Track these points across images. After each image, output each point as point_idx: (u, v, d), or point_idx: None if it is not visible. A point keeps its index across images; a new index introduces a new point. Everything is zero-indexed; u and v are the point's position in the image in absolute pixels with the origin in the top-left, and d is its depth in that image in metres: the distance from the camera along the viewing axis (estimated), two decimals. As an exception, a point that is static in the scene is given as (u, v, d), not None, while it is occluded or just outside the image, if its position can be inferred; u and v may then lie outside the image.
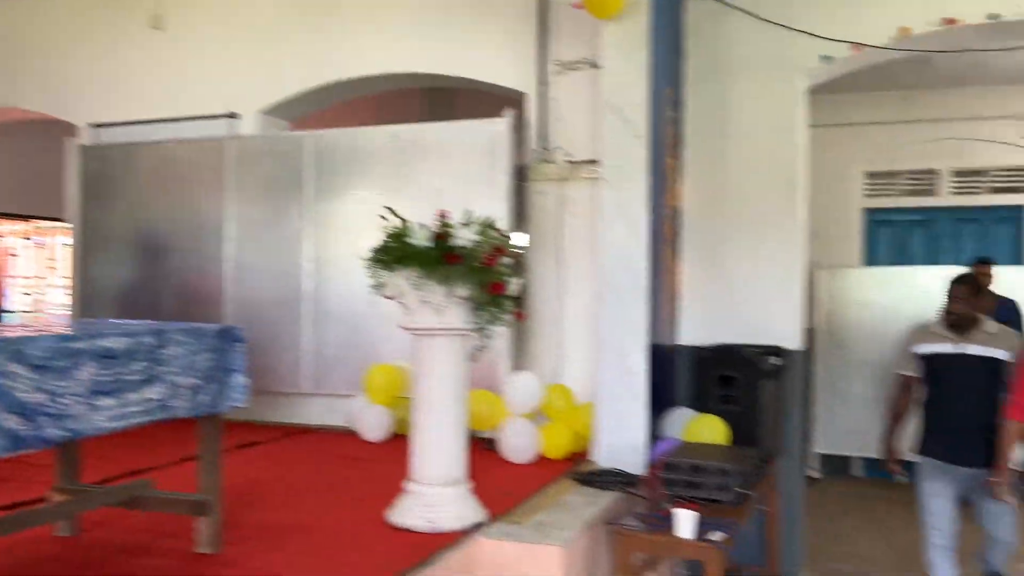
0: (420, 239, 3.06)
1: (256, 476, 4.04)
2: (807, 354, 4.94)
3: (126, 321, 3.24)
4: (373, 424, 4.90)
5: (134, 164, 5.90)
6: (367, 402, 4.98)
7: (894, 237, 7.93)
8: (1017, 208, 7.49)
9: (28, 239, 9.55)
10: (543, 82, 5.01)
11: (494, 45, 5.19)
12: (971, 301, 3.77)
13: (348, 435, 5.01)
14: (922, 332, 3.99)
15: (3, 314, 8.60)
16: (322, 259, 5.38)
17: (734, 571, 3.61)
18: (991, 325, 3.84)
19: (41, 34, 6.31)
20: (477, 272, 3.03)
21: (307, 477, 4.07)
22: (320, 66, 5.62)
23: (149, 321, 3.12)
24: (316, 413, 5.45)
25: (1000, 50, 5.63)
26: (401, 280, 3.09)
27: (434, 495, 3.13)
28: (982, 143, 7.43)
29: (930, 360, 3.92)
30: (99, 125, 6.13)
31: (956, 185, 7.70)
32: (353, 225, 5.22)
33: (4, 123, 6.87)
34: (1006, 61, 6.55)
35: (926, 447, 3.95)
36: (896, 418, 4.11)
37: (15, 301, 9.47)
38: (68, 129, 6.27)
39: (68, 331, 2.51)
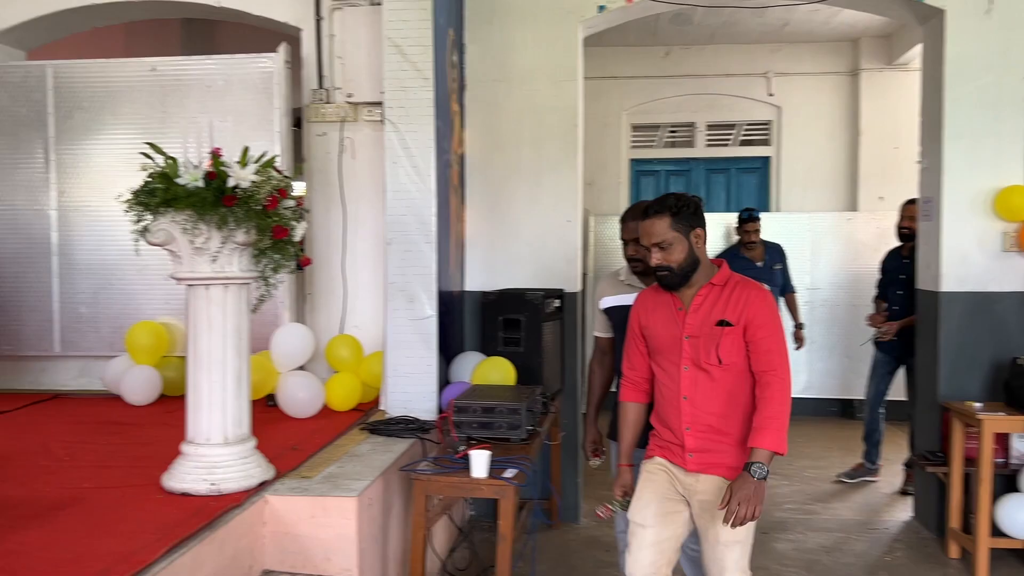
0: (190, 179, 2.79)
1: (4, 449, 3.57)
2: (583, 296, 5.14)
3: None
4: (137, 386, 4.50)
5: None
6: (130, 363, 4.56)
7: (656, 186, 8.45)
8: (763, 159, 8.23)
9: None
10: (320, 17, 4.73)
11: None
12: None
13: (109, 399, 4.58)
14: (608, 283, 3.33)
15: None
16: (70, 206, 4.81)
17: (520, 505, 3.72)
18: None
19: None
20: (257, 215, 2.82)
21: (66, 447, 3.65)
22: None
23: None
24: (69, 377, 4.93)
25: (752, 7, 6.11)
26: (170, 225, 2.81)
27: (216, 456, 2.92)
28: (733, 98, 8.07)
29: (612, 314, 3.27)
30: None
31: (710, 138, 8.32)
32: (106, 168, 4.71)
33: None
34: (755, 21, 7.12)
35: (612, 427, 3.27)
36: (593, 391, 3.41)
37: None
38: None
39: None
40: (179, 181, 2.77)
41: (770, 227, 6.74)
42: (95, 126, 4.78)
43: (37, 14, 4.99)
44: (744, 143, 8.28)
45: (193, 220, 2.77)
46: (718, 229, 7.36)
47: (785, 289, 6.42)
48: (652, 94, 8.12)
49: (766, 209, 7.96)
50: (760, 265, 6.26)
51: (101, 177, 4.71)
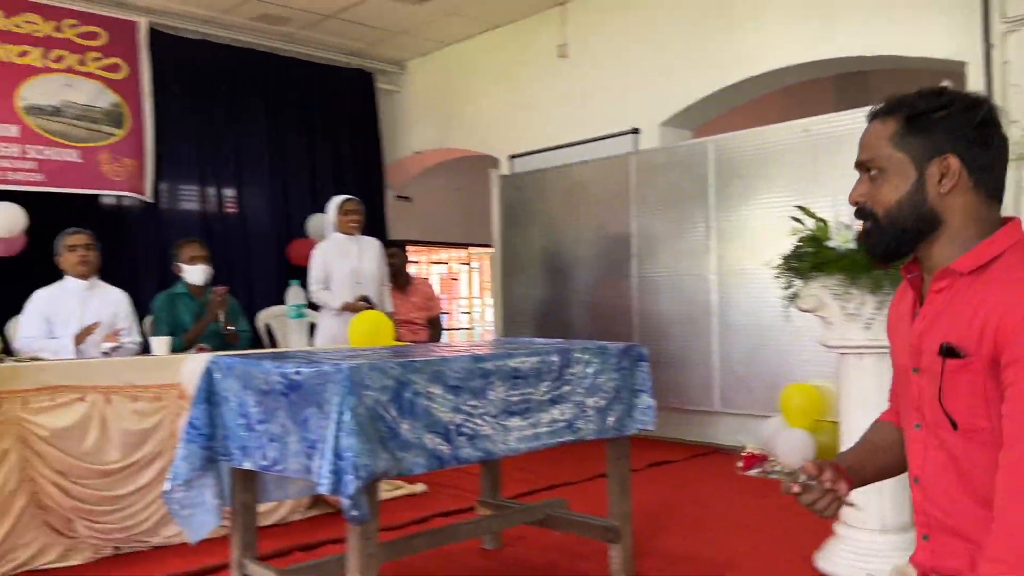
0: (841, 242, 2.63)
1: (666, 498, 3.88)
2: None
3: (535, 340, 3.30)
4: (790, 448, 4.45)
5: (545, 189, 6.21)
6: (783, 424, 4.56)
7: None
8: None
9: (466, 264, 10.71)
10: (989, 44, 4.15)
11: (922, 13, 4.46)
12: None
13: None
14: None
15: (444, 332, 9.64)
16: (727, 270, 5.10)
17: None
18: None
19: (465, 80, 6.98)
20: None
21: (718, 503, 3.80)
22: (717, 68, 5.37)
23: (557, 340, 3.13)
24: (727, 432, 5.16)
25: None
26: (820, 290, 2.69)
27: (870, 542, 2.66)
28: None
29: None
30: (515, 156, 6.57)
31: None
32: (760, 231, 4.86)
33: (443, 163, 7.75)
34: None
35: None
36: None
37: (457, 320, 10.69)
38: (492, 162, 6.83)
39: (480, 352, 2.57)
40: (829, 244, 2.64)
41: None
42: (749, 192, 5.00)
43: (702, 95, 5.49)
44: None
45: (844, 285, 2.60)
46: None
47: None
48: None
49: None
50: None
51: (755, 241, 4.88)
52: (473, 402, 2.38)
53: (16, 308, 4.23)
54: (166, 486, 2.51)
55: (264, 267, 6.36)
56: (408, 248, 6.46)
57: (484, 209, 6.91)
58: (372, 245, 5.02)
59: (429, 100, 7.33)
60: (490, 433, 2.39)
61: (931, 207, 1.26)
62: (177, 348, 4.03)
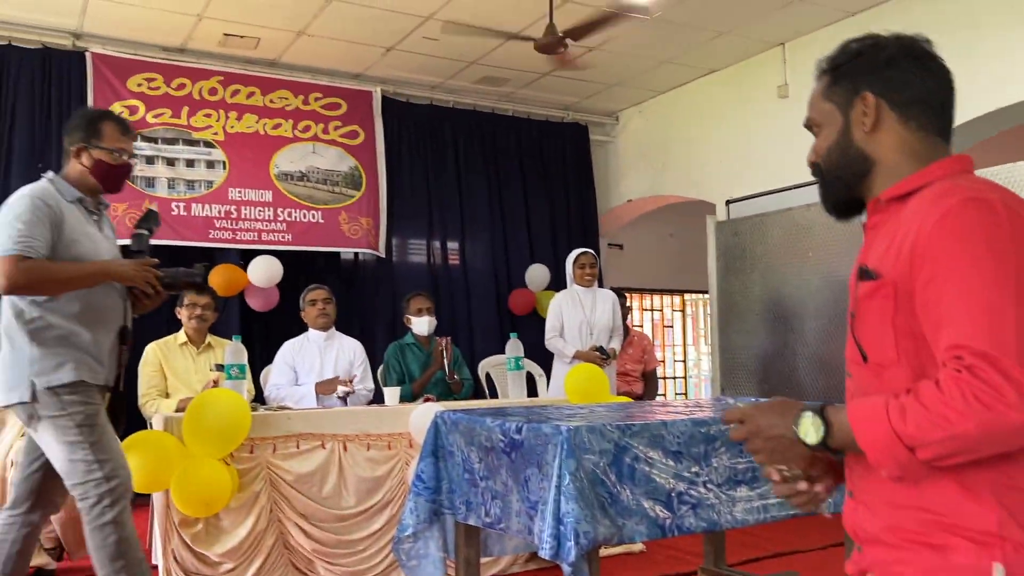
0: None
1: None
2: None
3: (759, 400, 3.13)
4: None
5: (766, 233, 5.96)
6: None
7: None
8: None
9: (680, 310, 10.50)
10: None
11: None
12: None
13: None
14: None
15: (659, 381, 9.46)
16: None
17: None
18: None
19: (679, 126, 6.91)
20: None
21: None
22: (958, 101, 4.91)
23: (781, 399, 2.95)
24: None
25: None
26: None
27: None
28: None
29: None
30: (733, 200, 6.38)
31: None
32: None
33: (657, 209, 7.69)
34: None
35: None
36: None
37: (671, 369, 10.46)
38: (707, 207, 6.68)
39: (701, 414, 2.47)
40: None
41: None
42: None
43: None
44: None
45: None
46: None
47: None
48: None
49: None
50: None
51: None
52: (695, 469, 2.29)
53: (270, 359, 4.67)
54: (395, 536, 2.62)
55: (485, 316, 6.58)
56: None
57: (698, 255, 6.75)
58: (606, 297, 5.20)
59: (642, 148, 7.33)
60: (714, 503, 2.28)
61: (858, 148, 1.27)
62: (406, 397, 4.26)
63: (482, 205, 6.74)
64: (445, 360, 4.55)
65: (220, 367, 3.69)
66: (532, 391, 5.29)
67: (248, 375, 4.32)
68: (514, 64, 6.11)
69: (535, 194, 7.01)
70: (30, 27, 5.28)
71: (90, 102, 5.31)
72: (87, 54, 5.37)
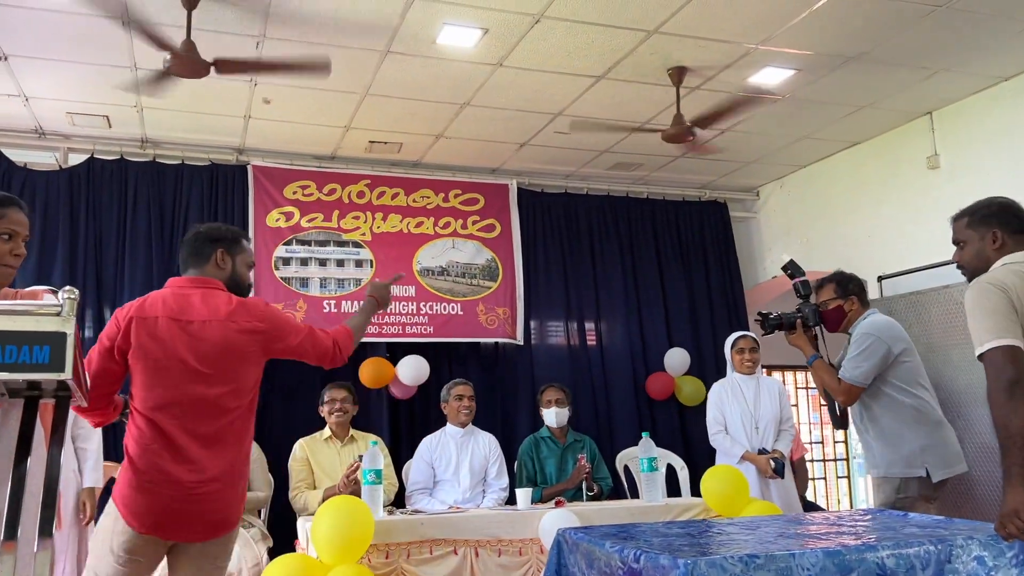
0: None
1: None
2: None
3: (908, 517, 2.90)
4: None
5: (922, 312, 5.59)
6: None
7: None
8: None
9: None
10: None
11: None
12: None
13: None
14: None
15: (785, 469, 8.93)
16: None
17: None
18: None
19: (824, 200, 6.67)
20: None
21: None
22: None
23: (934, 520, 2.73)
24: None
25: None
26: None
27: None
28: None
29: None
30: (885, 277, 6.05)
31: None
32: None
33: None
34: None
35: None
36: None
37: (830, 450, 9.84)
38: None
39: (835, 544, 2.31)
40: None
41: None
42: None
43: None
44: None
45: None
46: None
47: None
48: None
49: None
50: None
51: None
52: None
53: (414, 445, 4.83)
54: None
55: (623, 401, 6.50)
56: (769, 371, 6.19)
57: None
58: (771, 387, 4.86)
59: (786, 223, 7.11)
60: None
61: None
62: (537, 499, 4.25)
63: (617, 288, 6.71)
64: (584, 483, 4.43)
65: (361, 457, 3.83)
66: (673, 483, 5.14)
67: (391, 469, 4.48)
68: (645, 150, 6.14)
69: (672, 275, 6.92)
70: (200, 146, 5.85)
71: (251, 210, 5.78)
72: (248, 167, 5.87)
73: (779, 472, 4.49)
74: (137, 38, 3.99)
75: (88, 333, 5.34)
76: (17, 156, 5.53)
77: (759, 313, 3.98)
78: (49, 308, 1.64)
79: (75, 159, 5.64)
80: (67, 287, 1.71)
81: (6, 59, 4.46)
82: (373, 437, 4.16)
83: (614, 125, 5.27)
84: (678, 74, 4.74)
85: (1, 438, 1.86)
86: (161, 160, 5.79)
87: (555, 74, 4.84)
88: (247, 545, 3.89)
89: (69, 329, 1.63)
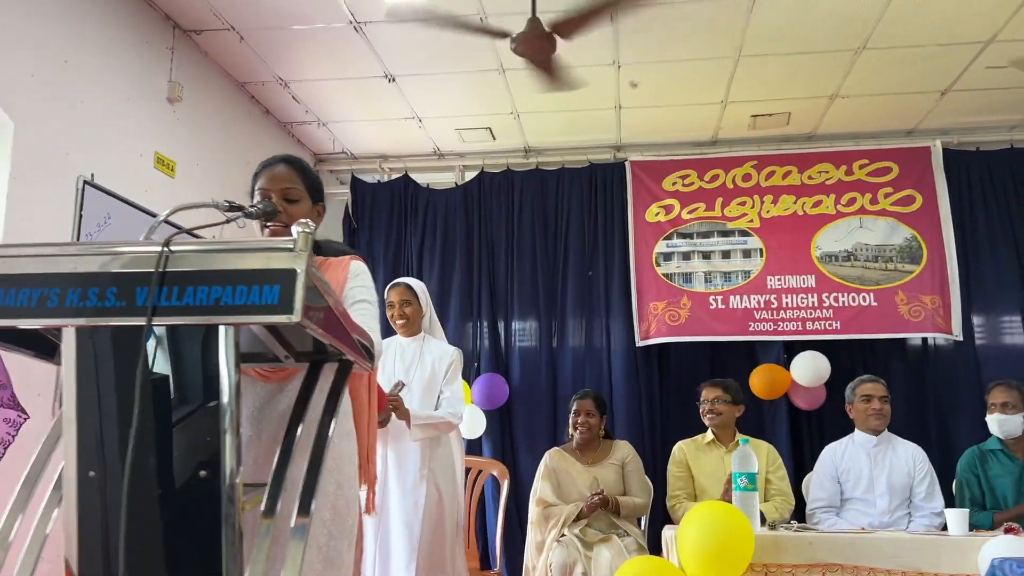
0: None
1: None
2: None
3: None
4: None
5: None
6: None
7: None
8: None
9: None
10: None
11: None
12: None
13: None
14: None
15: None
16: None
17: None
18: None
19: None
20: None
21: None
22: None
23: None
24: None
25: None
26: None
27: None
28: None
29: None
30: None
31: None
32: None
33: None
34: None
35: None
36: None
37: None
38: None
39: None
40: None
41: None
42: None
43: None
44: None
45: None
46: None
47: None
48: None
49: None
50: None
51: None
52: None
53: (812, 462, 4.09)
54: None
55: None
56: None
57: None
58: None
59: None
60: None
61: None
62: (982, 524, 3.24)
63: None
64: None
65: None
66: None
67: (786, 481, 3.82)
68: None
69: None
70: (579, 148, 5.77)
71: (630, 207, 5.53)
72: (626, 163, 5.63)
73: None
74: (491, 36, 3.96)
75: (485, 343, 5.52)
76: (422, 178, 5.99)
77: None
78: (282, 244, 1.45)
79: (469, 176, 5.93)
80: (302, 219, 1.51)
81: (394, 80, 4.79)
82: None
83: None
84: None
85: (308, 406, 1.73)
86: (544, 167, 5.83)
87: (976, -16, 3.80)
88: (619, 555, 3.53)
89: (300, 266, 1.41)
